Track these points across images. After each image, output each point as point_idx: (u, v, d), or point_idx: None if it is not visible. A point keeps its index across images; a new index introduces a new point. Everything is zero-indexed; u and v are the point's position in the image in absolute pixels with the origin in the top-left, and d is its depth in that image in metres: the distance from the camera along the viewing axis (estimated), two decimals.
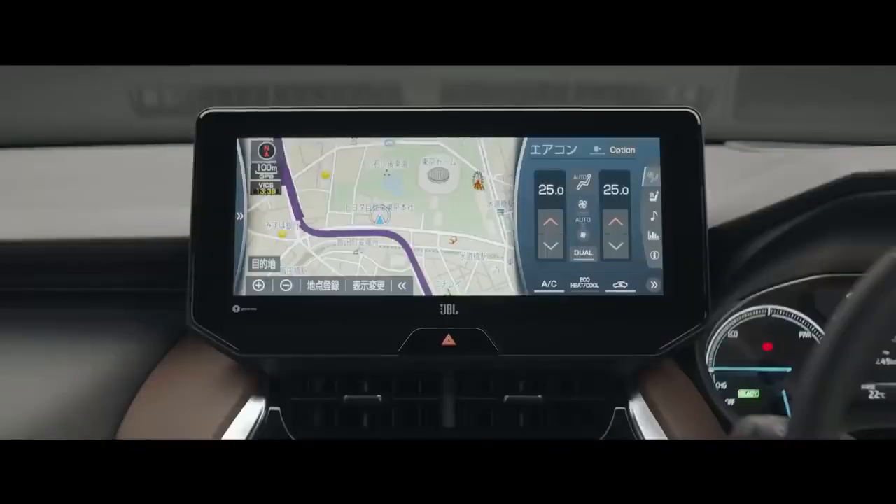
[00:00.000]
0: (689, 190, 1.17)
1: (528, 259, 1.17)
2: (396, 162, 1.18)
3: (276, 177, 1.18)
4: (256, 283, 1.16)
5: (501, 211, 1.17)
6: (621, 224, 1.17)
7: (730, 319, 1.30)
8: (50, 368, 1.28)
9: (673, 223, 1.17)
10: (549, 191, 1.18)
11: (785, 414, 1.28)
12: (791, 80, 1.77)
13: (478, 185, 1.18)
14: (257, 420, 1.20)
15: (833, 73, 1.72)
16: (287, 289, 1.17)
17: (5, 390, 1.25)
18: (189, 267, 1.16)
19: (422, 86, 1.83)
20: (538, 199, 1.18)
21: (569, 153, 1.18)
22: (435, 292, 1.16)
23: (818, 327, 1.30)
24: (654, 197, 1.17)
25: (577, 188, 1.18)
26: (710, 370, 1.30)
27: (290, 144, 1.18)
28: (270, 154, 1.18)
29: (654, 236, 1.17)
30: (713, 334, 1.30)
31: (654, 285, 1.16)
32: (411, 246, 1.17)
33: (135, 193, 1.41)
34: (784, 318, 1.30)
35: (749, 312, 1.31)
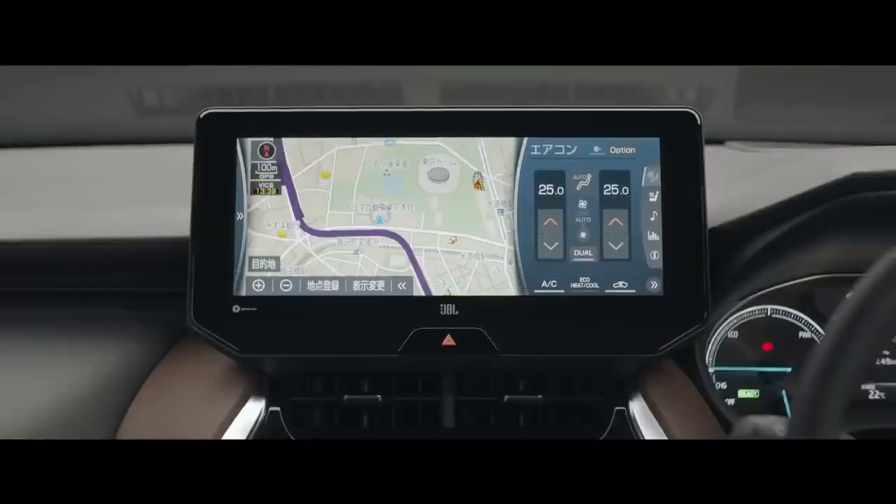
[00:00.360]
0: (689, 190, 1.17)
1: (528, 259, 1.17)
2: (396, 162, 1.18)
3: (276, 177, 1.18)
4: (256, 283, 1.16)
5: (501, 211, 1.17)
6: (621, 224, 1.17)
7: (730, 319, 1.30)
8: (50, 368, 1.28)
9: (673, 223, 1.17)
10: (549, 191, 1.18)
11: (785, 414, 1.28)
12: (791, 80, 1.77)
13: (478, 185, 1.18)
14: (257, 420, 1.20)
15: (833, 73, 1.72)
16: (287, 289, 1.17)
17: (5, 390, 1.25)
18: (189, 267, 1.16)
19: (422, 86, 1.83)
20: (538, 199, 1.18)
21: (569, 153, 1.18)
22: (435, 292, 1.16)
23: (818, 327, 1.30)
24: (654, 197, 1.17)
25: (577, 188, 1.18)
26: (710, 370, 1.30)
27: (290, 144, 1.18)
28: (270, 154, 1.18)
29: (654, 236, 1.17)
30: (713, 334, 1.30)
31: (654, 285, 1.16)
32: (411, 246, 1.17)
33: (135, 193, 1.41)
34: (784, 318, 1.30)
35: (749, 312, 1.31)
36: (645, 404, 1.22)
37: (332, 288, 1.17)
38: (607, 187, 1.18)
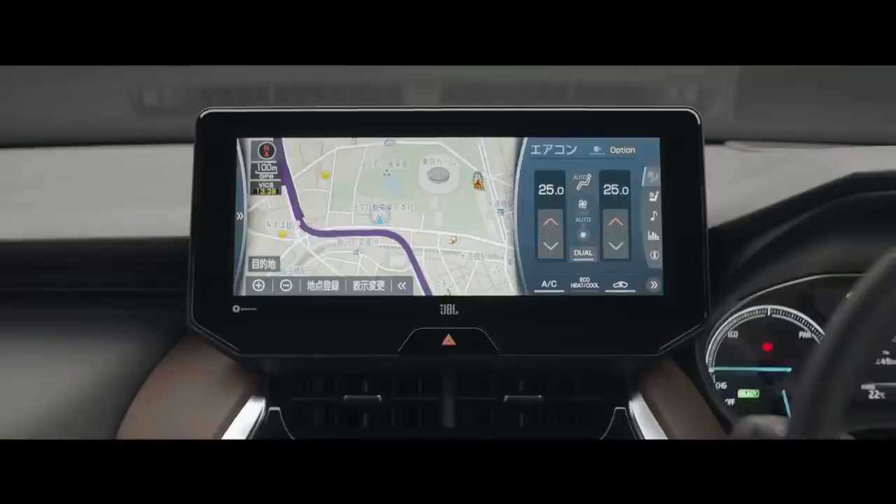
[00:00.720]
0: (689, 190, 1.17)
1: (528, 259, 1.17)
2: (396, 162, 1.18)
3: (276, 177, 1.18)
4: (256, 283, 1.16)
5: (501, 211, 1.17)
6: (621, 224, 1.17)
7: (730, 319, 1.30)
8: (50, 368, 1.28)
9: (673, 223, 1.17)
10: (549, 191, 1.18)
11: (785, 414, 1.28)
12: (791, 80, 1.77)
13: (478, 185, 1.18)
14: (257, 420, 1.20)
15: (833, 73, 1.72)
16: (287, 289, 1.17)
17: (6, 390, 1.25)
18: (189, 267, 1.16)
19: (422, 86, 1.83)
20: (538, 199, 1.18)
21: (569, 153, 1.18)
22: (435, 292, 1.16)
23: (818, 327, 1.30)
24: (654, 197, 1.17)
25: (577, 188, 1.18)
26: (710, 370, 1.30)
27: (290, 144, 1.18)
28: (270, 154, 1.18)
29: (654, 236, 1.17)
30: (713, 334, 1.30)
31: (654, 285, 1.16)
32: (411, 246, 1.17)
33: (135, 193, 1.41)
34: (784, 318, 1.30)
35: (749, 312, 1.31)
36: (645, 404, 1.22)
37: (332, 288, 1.17)
38: (607, 187, 1.18)
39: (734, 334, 1.31)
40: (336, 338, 1.16)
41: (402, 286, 1.16)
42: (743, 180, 1.33)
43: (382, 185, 1.18)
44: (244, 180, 1.17)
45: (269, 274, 1.17)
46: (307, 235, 1.17)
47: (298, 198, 1.17)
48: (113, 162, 1.56)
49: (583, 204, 1.18)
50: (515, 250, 1.17)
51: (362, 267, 1.17)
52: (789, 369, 1.30)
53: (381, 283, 1.17)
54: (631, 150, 1.18)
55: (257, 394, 1.22)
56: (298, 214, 1.17)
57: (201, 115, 1.18)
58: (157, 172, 1.48)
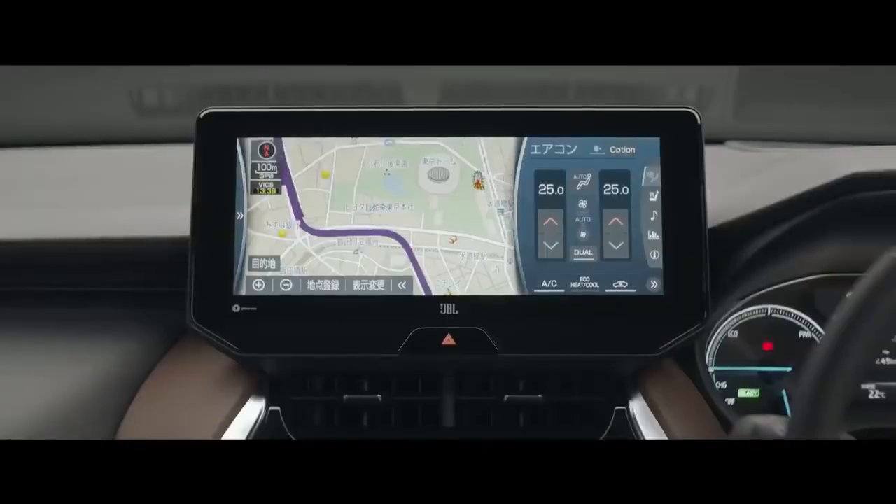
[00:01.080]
0: (689, 189, 1.17)
1: (528, 259, 1.17)
2: (396, 161, 1.18)
3: (276, 176, 1.18)
4: (256, 282, 1.16)
5: (501, 210, 1.17)
6: (621, 224, 1.17)
7: (730, 319, 1.31)
8: (50, 368, 1.28)
9: (673, 223, 1.17)
10: (550, 190, 1.18)
11: (785, 413, 1.28)
12: (791, 79, 1.77)
13: (478, 184, 1.18)
14: (257, 420, 1.20)
15: (833, 73, 1.72)
16: (287, 288, 1.17)
17: (6, 390, 1.25)
18: (189, 266, 1.16)
19: (422, 86, 1.83)
20: (538, 199, 1.18)
21: (569, 153, 1.18)
22: (435, 292, 1.16)
23: (818, 327, 1.30)
24: (655, 196, 1.17)
25: (578, 188, 1.18)
26: (710, 370, 1.30)
27: (290, 144, 1.18)
28: (270, 153, 1.18)
29: (655, 236, 1.17)
30: (713, 334, 1.30)
31: (654, 285, 1.16)
32: (411, 245, 1.17)
33: (135, 193, 1.41)
34: (784, 317, 1.30)
35: (749, 312, 1.31)
36: (645, 404, 1.21)
37: (332, 287, 1.17)
38: (607, 187, 1.18)
39: (734, 334, 1.31)
40: (336, 337, 1.16)
41: (402, 286, 1.16)
42: (743, 180, 1.33)
43: (382, 185, 1.18)
44: (244, 180, 1.17)
45: (269, 273, 1.17)
46: (307, 235, 1.17)
47: (298, 197, 1.17)
48: (113, 162, 1.56)
49: (583, 203, 1.18)
50: (515, 250, 1.17)
51: (362, 266, 1.17)
52: (789, 369, 1.30)
53: (381, 283, 1.17)
54: (631, 149, 1.18)
55: (257, 393, 1.22)
56: (298, 214, 1.17)
57: (201, 115, 1.18)
58: (157, 172, 1.48)
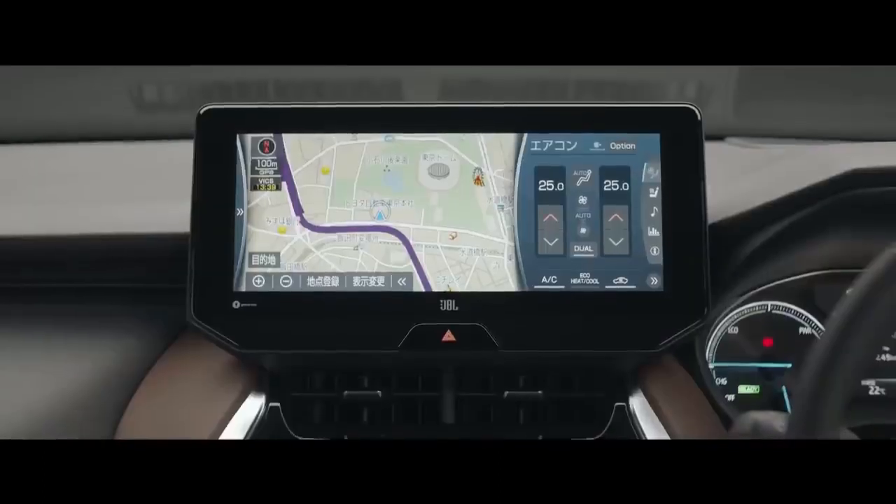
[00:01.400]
0: (689, 186, 1.17)
1: (529, 255, 1.17)
2: (396, 158, 1.18)
3: (275, 172, 1.18)
4: (256, 278, 1.16)
5: (501, 207, 1.17)
6: (621, 220, 1.17)
7: (730, 315, 1.31)
8: (50, 364, 1.28)
9: (673, 219, 1.17)
10: (550, 187, 1.18)
11: (785, 410, 1.28)
12: (791, 77, 1.77)
13: (478, 180, 1.18)
14: (257, 416, 1.20)
15: (833, 71, 1.71)
16: (287, 284, 1.17)
17: (5, 386, 1.25)
18: (189, 263, 1.16)
19: (422, 82, 1.83)
20: (538, 195, 1.18)
21: (569, 149, 1.18)
22: (435, 288, 1.16)
23: (818, 323, 1.30)
24: (655, 193, 1.17)
25: (578, 184, 1.18)
26: (711, 366, 1.30)
27: (289, 140, 1.18)
28: (270, 150, 1.18)
29: (655, 232, 1.17)
30: (713, 330, 1.30)
31: (655, 281, 1.16)
32: (411, 242, 1.17)
33: (135, 189, 1.41)
34: (784, 313, 1.31)
35: (749, 308, 1.31)
36: (645, 400, 1.21)
37: (332, 284, 1.17)
38: (607, 183, 1.18)
39: (734, 330, 1.31)
40: (336, 334, 1.16)
41: (402, 282, 1.16)
42: (743, 176, 1.33)
43: (382, 181, 1.18)
44: (244, 176, 1.17)
45: (269, 270, 1.17)
46: (307, 231, 1.17)
47: (298, 194, 1.17)
48: (113, 158, 1.56)
49: (583, 200, 1.18)
50: (515, 246, 1.17)
51: (362, 263, 1.17)
52: (789, 365, 1.30)
53: (381, 279, 1.16)
54: (631, 145, 1.18)
55: (257, 389, 1.22)
56: (298, 210, 1.17)
57: (201, 111, 1.18)
58: (157, 168, 1.48)
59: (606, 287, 1.17)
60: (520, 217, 1.17)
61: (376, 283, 1.16)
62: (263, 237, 1.17)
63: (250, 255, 1.16)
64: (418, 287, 1.16)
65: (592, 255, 1.17)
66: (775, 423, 0.95)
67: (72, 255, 1.29)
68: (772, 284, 1.31)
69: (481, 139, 1.18)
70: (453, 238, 1.17)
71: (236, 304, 1.16)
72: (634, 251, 1.17)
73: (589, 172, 1.18)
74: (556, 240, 1.17)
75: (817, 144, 1.50)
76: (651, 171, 1.17)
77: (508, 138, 1.18)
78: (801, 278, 1.30)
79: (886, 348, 1.30)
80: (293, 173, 1.18)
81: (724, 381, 1.30)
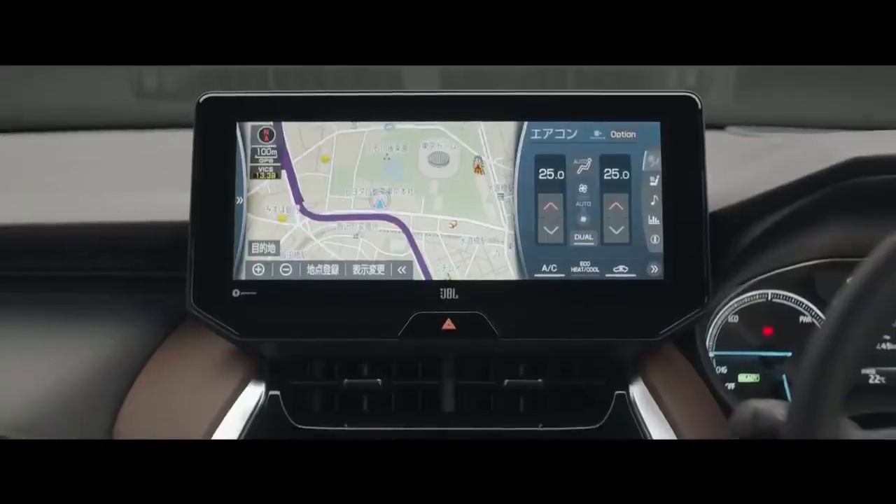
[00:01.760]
0: (689, 174, 1.17)
1: (529, 243, 1.17)
2: (396, 146, 1.18)
3: (275, 161, 1.18)
4: (256, 267, 1.16)
5: (502, 195, 1.17)
6: (622, 208, 1.17)
7: (730, 304, 1.31)
8: (50, 353, 1.28)
9: (673, 207, 1.17)
10: (550, 175, 1.18)
11: (785, 398, 1.28)
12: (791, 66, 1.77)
13: (478, 169, 1.18)
14: (257, 404, 1.20)
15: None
16: (287, 273, 1.17)
17: (6, 375, 1.25)
18: (189, 251, 1.16)
19: (422, 71, 1.83)
20: (538, 184, 1.17)
21: (569, 137, 1.18)
22: (435, 276, 1.16)
23: (819, 312, 1.30)
24: (655, 181, 1.17)
25: (578, 172, 1.18)
26: (711, 354, 1.30)
27: (289, 128, 1.18)
28: (270, 138, 1.18)
29: (655, 220, 1.17)
30: (713, 319, 1.30)
31: (655, 269, 1.16)
32: (411, 230, 1.17)
33: (134, 178, 1.41)
34: (785, 302, 1.31)
35: (749, 297, 1.31)
36: (645, 388, 1.21)
37: (332, 272, 1.17)
38: (608, 171, 1.18)
39: (734, 319, 1.31)
40: (336, 322, 1.16)
41: (402, 270, 1.16)
42: (743, 165, 1.33)
43: (382, 170, 1.18)
44: (244, 164, 1.17)
45: (269, 258, 1.17)
46: (307, 219, 1.17)
47: (298, 182, 1.17)
48: (113, 146, 1.56)
49: (583, 188, 1.18)
50: (516, 234, 1.17)
51: (362, 251, 1.17)
52: (790, 354, 1.30)
53: (381, 268, 1.16)
54: (631, 134, 1.18)
55: (257, 378, 1.22)
56: (298, 199, 1.17)
57: (201, 100, 1.18)
58: (156, 157, 1.48)
59: (606, 275, 1.17)
60: (520, 205, 1.17)
61: (376, 272, 1.16)
62: (263, 225, 1.17)
63: (250, 243, 1.16)
64: (418, 275, 1.16)
65: (592, 244, 1.17)
66: (776, 411, 0.95)
67: (72, 244, 1.29)
68: (772, 273, 1.31)
69: (481, 127, 1.18)
70: (453, 226, 1.17)
71: (236, 293, 1.16)
72: (635, 239, 1.17)
73: (589, 161, 1.18)
74: (557, 228, 1.17)
75: (817, 133, 1.50)
76: (651, 160, 1.17)
77: (508, 126, 1.18)
78: (801, 267, 1.30)
79: (887, 337, 1.30)
80: (293, 162, 1.17)
81: (724, 370, 1.30)
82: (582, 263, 1.17)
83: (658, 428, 1.19)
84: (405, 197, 1.17)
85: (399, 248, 1.17)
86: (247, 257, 1.16)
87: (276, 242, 1.17)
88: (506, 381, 1.21)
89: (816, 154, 1.26)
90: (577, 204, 1.17)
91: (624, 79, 1.81)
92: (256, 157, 1.17)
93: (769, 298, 1.31)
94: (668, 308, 1.16)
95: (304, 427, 1.19)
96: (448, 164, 1.18)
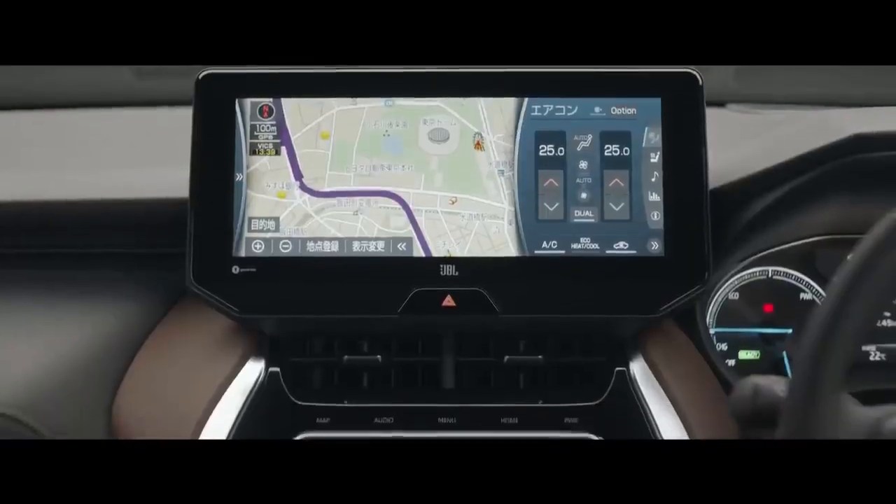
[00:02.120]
0: (690, 151, 1.17)
1: (529, 220, 1.17)
2: (396, 122, 1.18)
3: (275, 137, 1.17)
4: (256, 243, 1.16)
5: (502, 171, 1.17)
6: (622, 185, 1.17)
7: (730, 281, 1.31)
8: (49, 330, 1.28)
9: (674, 184, 1.17)
10: (550, 151, 1.17)
11: (786, 375, 1.28)
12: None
13: (478, 145, 1.17)
14: (257, 381, 1.20)
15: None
16: (286, 249, 1.16)
17: (5, 352, 1.25)
18: (188, 228, 1.16)
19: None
20: (539, 160, 1.17)
21: (569, 114, 1.18)
22: (435, 253, 1.16)
23: (819, 288, 1.30)
24: (655, 158, 1.17)
25: (578, 149, 1.18)
26: (711, 331, 1.30)
27: (289, 105, 1.18)
28: (270, 114, 1.18)
29: (655, 197, 1.17)
30: (714, 295, 1.30)
31: (655, 246, 1.16)
32: (411, 206, 1.16)
33: (134, 155, 1.41)
34: (785, 279, 1.30)
35: (750, 274, 1.31)
36: (645, 365, 1.21)
37: (332, 248, 1.16)
38: (608, 148, 1.17)
39: (735, 296, 1.31)
40: (336, 298, 1.16)
41: (401, 247, 1.16)
42: (744, 141, 1.33)
43: (382, 146, 1.17)
44: (243, 141, 1.17)
45: (269, 235, 1.16)
46: (307, 196, 1.17)
47: (298, 158, 1.17)
48: (112, 123, 1.56)
49: (583, 164, 1.17)
50: (516, 211, 1.17)
51: (362, 227, 1.16)
52: (790, 331, 1.30)
53: (381, 244, 1.16)
54: (632, 110, 1.18)
55: (257, 354, 1.22)
56: (298, 175, 1.17)
57: (200, 76, 1.18)
58: (156, 134, 1.48)
59: (607, 252, 1.17)
60: (520, 182, 1.17)
61: (376, 248, 1.16)
62: (263, 202, 1.17)
63: (250, 219, 1.16)
64: (418, 252, 1.16)
65: (593, 220, 1.17)
66: (776, 387, 0.95)
67: (71, 221, 1.29)
68: (772, 250, 1.31)
69: (481, 104, 1.18)
70: (453, 203, 1.17)
71: (236, 270, 1.16)
72: (635, 216, 1.17)
73: (589, 137, 1.18)
74: (557, 205, 1.17)
75: (818, 110, 1.50)
76: (652, 136, 1.17)
77: (509, 103, 1.18)
78: (802, 244, 1.30)
79: (887, 314, 1.30)
80: (293, 138, 1.17)
81: (724, 347, 1.30)
82: (582, 240, 1.16)
83: (658, 404, 1.19)
84: (405, 173, 1.17)
85: (399, 225, 1.16)
86: (246, 234, 1.16)
87: (276, 219, 1.17)
88: (506, 357, 1.21)
89: (817, 130, 1.26)
90: (578, 180, 1.17)
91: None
92: (256, 133, 1.17)
93: (769, 275, 1.31)
94: (669, 285, 1.16)
95: (303, 403, 1.19)
96: (448, 141, 1.17)
